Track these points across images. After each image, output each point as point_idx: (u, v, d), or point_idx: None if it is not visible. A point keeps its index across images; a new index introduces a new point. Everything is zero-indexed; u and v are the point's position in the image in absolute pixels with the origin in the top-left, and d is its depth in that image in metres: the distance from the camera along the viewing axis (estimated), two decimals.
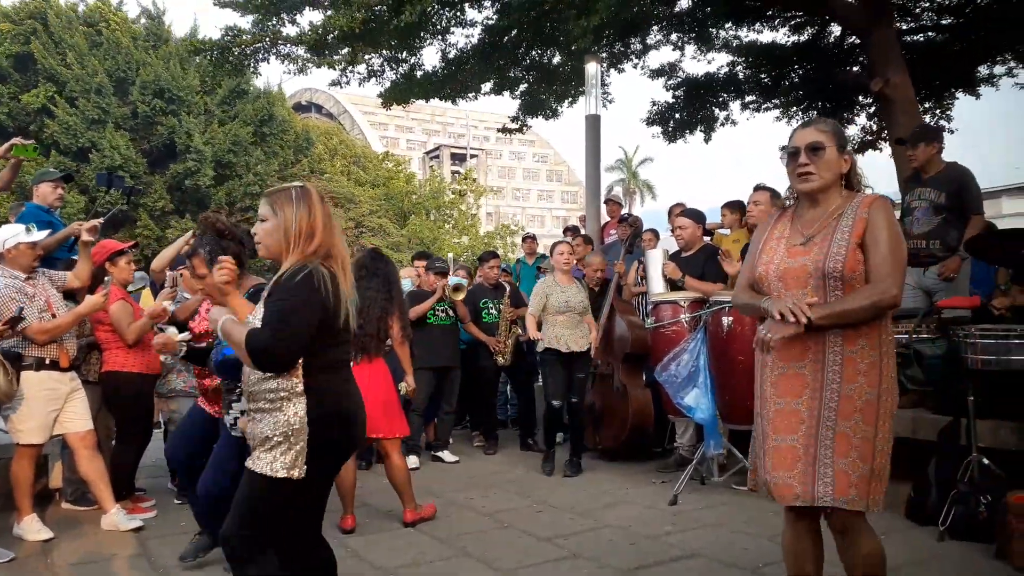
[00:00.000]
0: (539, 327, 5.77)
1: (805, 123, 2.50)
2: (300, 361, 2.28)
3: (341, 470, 4.46)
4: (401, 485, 4.50)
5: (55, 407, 4.31)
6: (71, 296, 4.69)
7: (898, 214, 5.66)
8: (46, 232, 4.54)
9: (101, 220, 4.97)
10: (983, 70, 10.15)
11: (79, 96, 23.92)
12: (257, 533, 2.33)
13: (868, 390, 2.29)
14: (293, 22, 8.96)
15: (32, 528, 4.25)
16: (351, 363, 2.56)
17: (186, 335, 3.69)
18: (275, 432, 2.27)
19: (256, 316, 2.29)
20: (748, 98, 10.97)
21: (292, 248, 2.30)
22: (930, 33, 9.76)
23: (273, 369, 2.26)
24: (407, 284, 7.30)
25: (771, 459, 2.37)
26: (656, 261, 5.94)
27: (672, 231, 5.99)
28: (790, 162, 2.46)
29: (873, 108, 10.55)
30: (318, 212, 2.33)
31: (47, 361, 4.30)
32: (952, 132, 10.90)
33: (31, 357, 4.25)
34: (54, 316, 4.33)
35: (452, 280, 6.62)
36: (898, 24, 9.05)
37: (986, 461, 3.83)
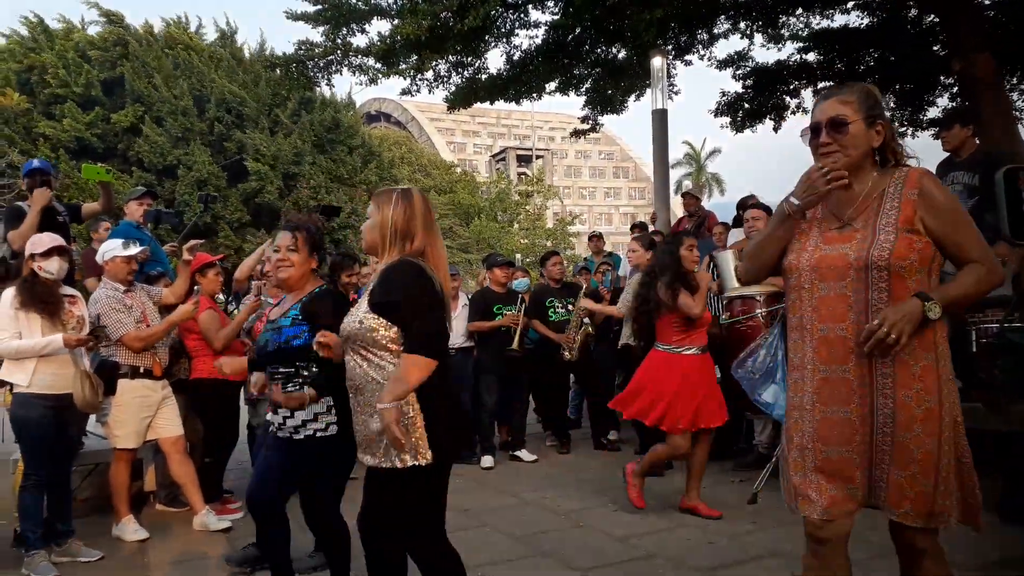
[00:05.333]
0: None
1: (827, 93, 2.17)
2: (402, 349, 2.36)
3: (696, 447, 4.55)
4: (697, 469, 4.61)
5: (148, 414, 4.53)
6: (166, 311, 4.92)
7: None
8: (141, 248, 4.78)
9: (201, 241, 5.23)
10: None
11: (166, 116, 25.12)
12: (393, 530, 2.40)
13: (927, 397, 2.00)
14: (363, 31, 9.17)
15: (129, 529, 4.48)
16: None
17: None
18: None
19: (360, 308, 2.43)
20: (821, 84, 10.67)
21: (389, 245, 2.44)
22: (1014, 7, 9.27)
23: (440, 354, 2.36)
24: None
25: (823, 472, 2.09)
26: (728, 257, 5.83)
27: (744, 223, 5.88)
28: (812, 140, 2.16)
29: (956, 88, 10.10)
30: (417, 214, 2.46)
31: (141, 370, 4.52)
32: None
33: (126, 365, 4.48)
34: (148, 327, 4.56)
35: (516, 283, 6.73)
36: None
37: None
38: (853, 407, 2.05)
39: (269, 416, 3.21)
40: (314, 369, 3.02)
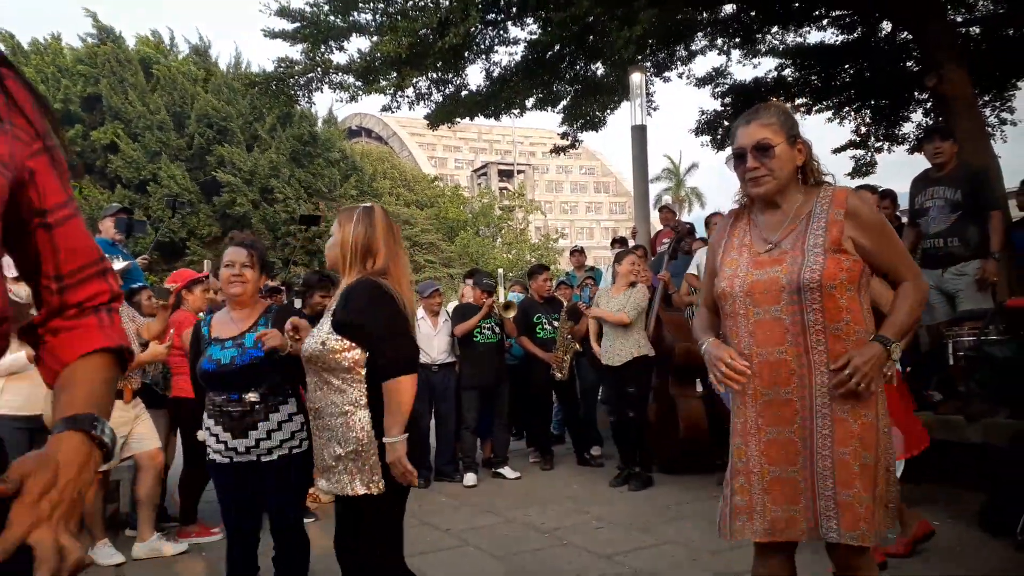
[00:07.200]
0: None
1: (748, 117, 2.16)
2: (364, 373, 2.33)
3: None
4: None
5: (121, 433, 4.44)
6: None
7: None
8: (122, 265, 4.71)
9: (177, 290, 5.13)
10: None
11: (142, 132, 24.97)
12: (361, 554, 2.36)
13: (864, 412, 2.02)
14: (341, 49, 9.15)
15: (104, 553, 4.37)
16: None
17: None
18: (345, 449, 2.29)
19: (322, 329, 2.38)
20: (798, 100, 10.79)
21: (350, 263, 2.42)
22: (986, 24, 9.43)
23: (412, 371, 2.33)
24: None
25: (770, 493, 2.10)
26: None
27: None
28: (737, 165, 2.16)
29: (930, 104, 10.25)
30: (379, 231, 2.43)
31: None
32: (1015, 124, 10.55)
33: None
34: None
35: (512, 296, 6.67)
36: (952, 16, 8.79)
37: None
38: (796, 428, 2.07)
39: (233, 442, 2.99)
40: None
